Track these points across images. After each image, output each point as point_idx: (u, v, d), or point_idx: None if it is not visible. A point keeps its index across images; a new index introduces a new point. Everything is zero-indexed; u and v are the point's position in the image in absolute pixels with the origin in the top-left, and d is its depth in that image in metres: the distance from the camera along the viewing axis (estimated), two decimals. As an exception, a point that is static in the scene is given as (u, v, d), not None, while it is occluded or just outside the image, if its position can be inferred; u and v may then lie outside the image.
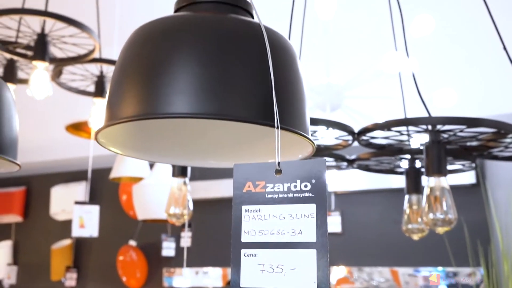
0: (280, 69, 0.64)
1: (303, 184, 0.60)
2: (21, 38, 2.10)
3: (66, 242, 4.64)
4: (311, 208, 0.59)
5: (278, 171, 0.61)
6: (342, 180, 3.62)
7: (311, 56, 2.87)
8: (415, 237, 1.76)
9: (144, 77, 0.61)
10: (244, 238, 0.60)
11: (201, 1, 0.70)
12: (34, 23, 2.03)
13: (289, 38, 1.68)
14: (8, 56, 2.14)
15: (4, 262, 4.85)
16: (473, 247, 2.90)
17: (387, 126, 1.35)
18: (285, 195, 0.60)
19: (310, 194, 0.59)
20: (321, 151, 1.62)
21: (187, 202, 1.69)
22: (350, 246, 3.63)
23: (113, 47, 3.48)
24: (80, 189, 4.58)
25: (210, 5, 0.69)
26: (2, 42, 2.07)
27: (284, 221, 0.59)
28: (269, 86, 0.61)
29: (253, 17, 0.72)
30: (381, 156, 1.69)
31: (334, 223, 3.65)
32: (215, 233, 3.87)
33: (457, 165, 1.77)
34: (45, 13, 1.83)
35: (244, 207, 0.61)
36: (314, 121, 1.36)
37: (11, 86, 2.26)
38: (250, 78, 0.61)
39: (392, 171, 1.92)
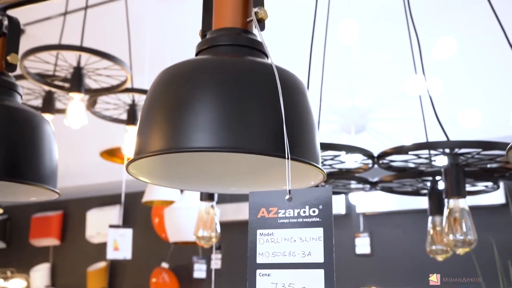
0: (290, 105, 0.70)
1: (312, 209, 0.66)
2: (59, 71, 2.23)
3: (102, 264, 4.76)
4: (319, 231, 0.65)
5: (289, 198, 0.67)
6: (371, 201, 3.63)
7: (335, 79, 2.94)
8: (440, 258, 1.78)
9: (169, 115, 0.68)
10: (259, 260, 0.66)
11: (219, 44, 0.77)
12: (70, 57, 2.16)
13: (309, 62, 1.75)
14: (47, 88, 2.28)
15: (43, 284, 5.00)
16: (503, 268, 2.87)
17: (404, 150, 1.40)
18: (295, 220, 0.66)
19: (318, 219, 0.65)
20: (343, 174, 1.67)
21: (214, 225, 1.76)
22: (380, 267, 3.63)
23: (144, 75, 3.62)
24: (114, 213, 4.71)
25: (228, 47, 0.77)
26: (41, 75, 2.20)
27: (294, 243, 0.65)
28: (280, 121, 0.68)
29: (267, 56, 0.79)
30: (403, 178, 1.73)
31: (363, 245, 3.66)
32: (246, 254, 3.90)
33: (480, 187, 1.80)
34: (80, 48, 1.96)
35: (258, 231, 0.67)
36: (335, 147, 1.42)
37: (49, 116, 2.39)
38: (263, 115, 0.67)
39: (415, 193, 1.96)
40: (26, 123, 0.98)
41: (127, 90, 2.29)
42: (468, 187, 1.79)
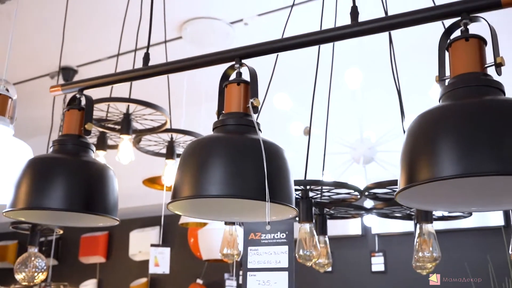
0: (273, 166, 1.09)
1: (281, 234, 1.05)
2: (110, 116, 2.70)
3: (143, 280, 5.20)
4: (285, 248, 1.04)
5: (268, 227, 1.07)
6: (385, 223, 3.97)
7: (348, 117, 3.32)
8: (423, 272, 2.12)
9: (193, 173, 1.09)
10: (249, 266, 1.06)
11: (228, 124, 1.18)
12: (121, 106, 2.62)
13: (312, 103, 2.16)
14: (100, 129, 2.75)
15: (90, 298, 5.51)
16: (499, 284, 3.15)
17: (382, 185, 1.78)
18: (272, 240, 1.06)
19: (285, 240, 1.05)
20: (339, 203, 2.05)
21: (237, 244, 2.15)
22: (393, 284, 3.94)
23: (182, 109, 4.09)
24: (154, 233, 5.17)
25: (234, 126, 1.17)
26: (96, 119, 2.67)
27: (271, 255, 1.05)
28: (264, 176, 1.07)
29: (259, 129, 1.19)
30: (391, 206, 2.09)
31: (378, 263, 3.98)
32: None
33: (457, 213, 2.14)
34: (129, 100, 2.42)
35: (249, 248, 1.07)
36: (324, 183, 1.81)
37: (102, 152, 2.86)
38: (253, 173, 1.07)
39: (407, 217, 2.31)
40: (97, 171, 1.37)
41: (166, 130, 2.74)
42: (448, 213, 2.14)
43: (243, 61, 1.25)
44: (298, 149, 2.52)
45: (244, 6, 3.69)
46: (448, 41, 1.01)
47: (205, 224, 3.71)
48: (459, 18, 1.01)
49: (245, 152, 1.09)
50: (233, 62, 1.26)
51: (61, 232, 2.92)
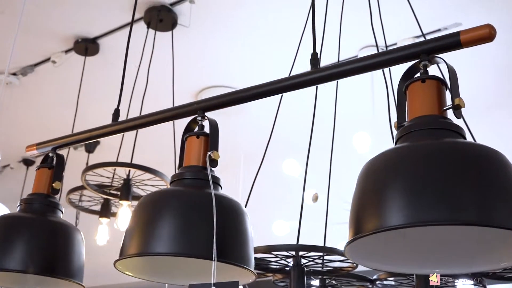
0: (227, 223, 1.01)
1: (227, 297, 0.95)
2: (115, 183, 2.68)
3: None
4: (232, 310, 0.94)
5: (213, 288, 0.97)
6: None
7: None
8: None
9: (141, 229, 1.01)
10: (192, 331, 0.95)
11: (185, 178, 1.10)
12: (120, 171, 2.60)
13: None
14: (104, 196, 2.72)
15: None
16: None
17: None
18: (218, 304, 0.95)
19: (231, 304, 0.94)
20: (334, 272, 1.91)
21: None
22: None
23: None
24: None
25: (191, 180, 1.09)
26: (98, 186, 2.65)
27: (215, 320, 0.94)
28: (213, 234, 0.98)
29: (220, 185, 1.11)
30: (395, 276, 1.93)
31: None
32: None
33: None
34: (126, 165, 2.40)
35: (193, 309, 0.97)
36: (316, 248, 1.69)
37: (105, 219, 2.81)
38: (202, 230, 0.98)
39: (415, 290, 2.13)
40: (62, 233, 1.29)
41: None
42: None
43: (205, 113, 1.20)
44: (308, 218, 2.39)
45: (257, 75, 3.72)
46: (405, 83, 0.94)
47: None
48: (418, 60, 0.94)
49: (196, 208, 1.02)
50: (196, 115, 1.21)
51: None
